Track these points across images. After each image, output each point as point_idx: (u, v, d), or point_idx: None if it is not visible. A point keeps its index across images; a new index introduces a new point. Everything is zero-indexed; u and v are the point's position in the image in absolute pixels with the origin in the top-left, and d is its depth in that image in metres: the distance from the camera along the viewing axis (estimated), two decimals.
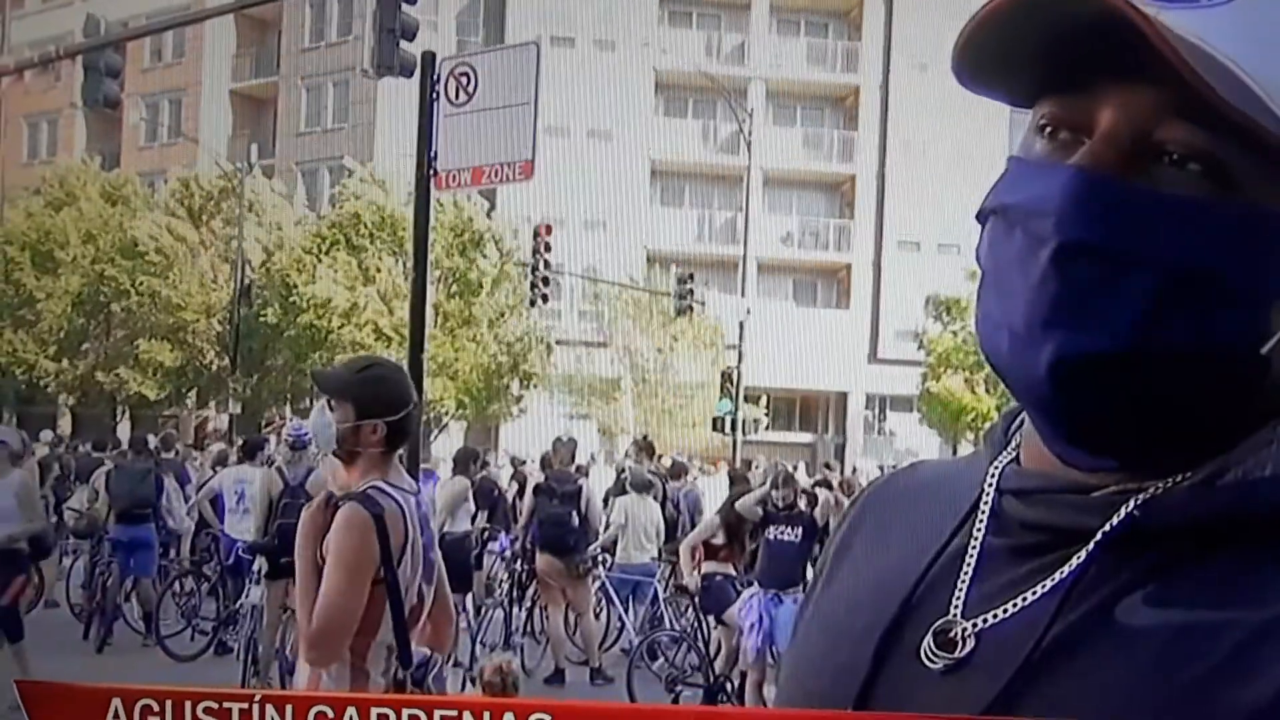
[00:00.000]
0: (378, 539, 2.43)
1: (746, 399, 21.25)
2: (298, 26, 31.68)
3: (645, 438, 12.03)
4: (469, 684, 3.72)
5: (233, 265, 23.48)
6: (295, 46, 31.84)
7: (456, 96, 8.26)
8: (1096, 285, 0.55)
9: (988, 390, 23.14)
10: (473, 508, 8.31)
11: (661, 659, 7.33)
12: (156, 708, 0.51)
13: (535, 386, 24.07)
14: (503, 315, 23.11)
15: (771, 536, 6.36)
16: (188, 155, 27.81)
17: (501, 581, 8.51)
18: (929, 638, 0.60)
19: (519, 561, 8.23)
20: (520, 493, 10.03)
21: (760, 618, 6.12)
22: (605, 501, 9.18)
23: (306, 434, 6.35)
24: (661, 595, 7.89)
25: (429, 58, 8.58)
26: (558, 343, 24.38)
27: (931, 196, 26.54)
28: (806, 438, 30.17)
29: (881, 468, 16.36)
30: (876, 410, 30.77)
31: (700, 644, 7.03)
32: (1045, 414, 0.59)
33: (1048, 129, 0.59)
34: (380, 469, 2.56)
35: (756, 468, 13.98)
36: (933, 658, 0.59)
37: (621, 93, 28.85)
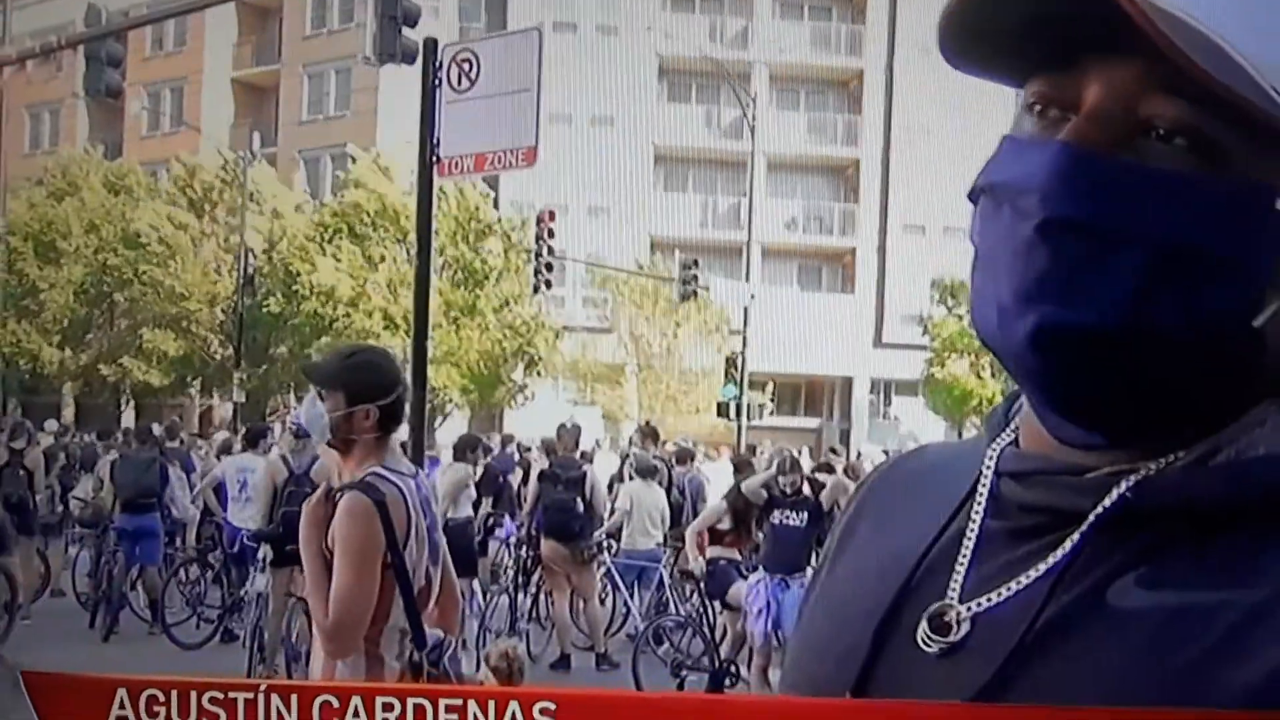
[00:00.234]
0: (382, 525, 2.44)
1: (751, 384, 21.26)
2: (299, 14, 31.58)
3: (648, 423, 12.05)
4: (482, 664, 3.73)
5: (235, 254, 23.49)
6: (296, 34, 31.75)
7: (459, 83, 8.23)
8: (1080, 260, 0.55)
9: (993, 375, 23.12)
10: (474, 494, 8.34)
11: (667, 644, 7.35)
12: (162, 698, 0.51)
13: (540, 374, 24.09)
14: (507, 303, 23.11)
15: (777, 521, 6.37)
16: (190, 144, 27.77)
17: (507, 568, 8.54)
18: (925, 621, 0.60)
19: (524, 548, 8.25)
20: (525, 479, 10.06)
21: (767, 603, 6.14)
22: (610, 487, 9.20)
23: None
24: (667, 581, 7.91)
25: (431, 44, 8.55)
26: (565, 328, 24.39)
27: (936, 180, 26.44)
28: (811, 423, 30.18)
29: (886, 452, 16.37)
30: (881, 395, 30.77)
31: (705, 629, 7.05)
32: (1033, 388, 0.59)
33: (1036, 107, 0.59)
34: (377, 455, 2.57)
35: (761, 453, 13.99)
36: (929, 642, 0.59)
37: (624, 78, 28.74)
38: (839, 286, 31.48)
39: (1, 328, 25.86)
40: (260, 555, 6.76)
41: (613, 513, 8.22)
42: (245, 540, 7.38)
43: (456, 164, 8.39)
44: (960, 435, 25.57)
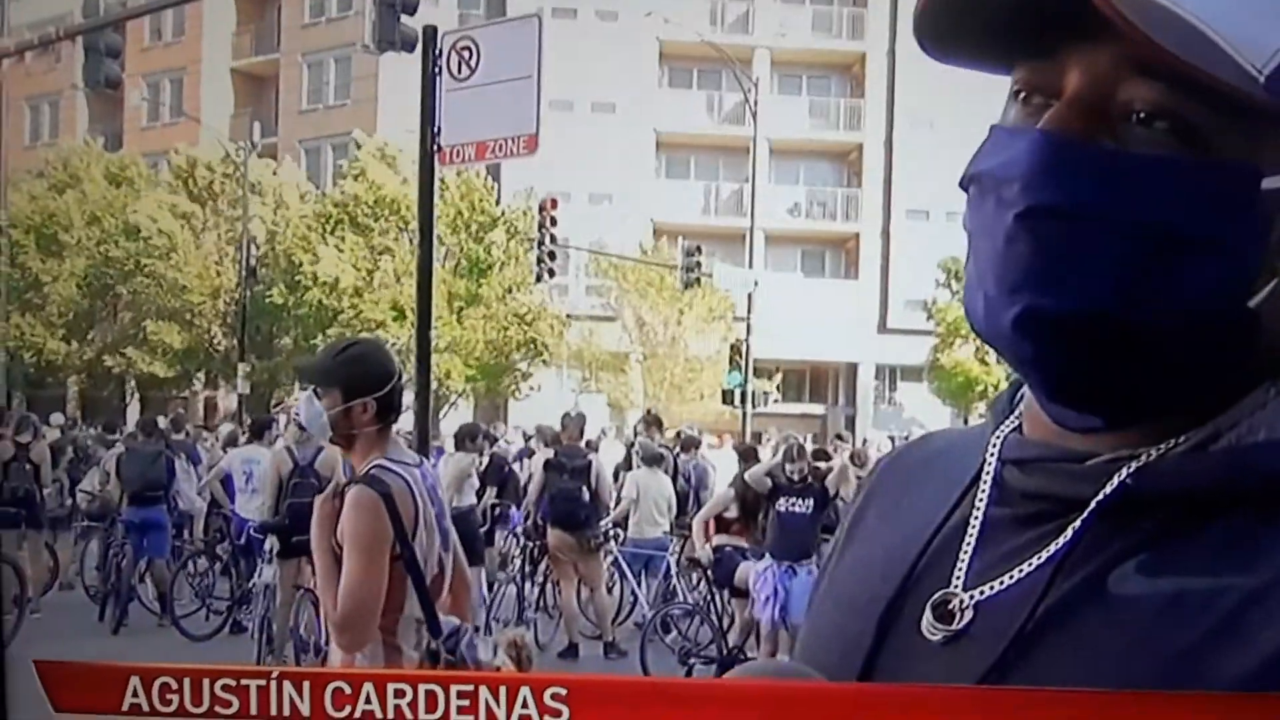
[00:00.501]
0: (389, 517, 2.45)
1: (756, 371, 21.25)
2: (297, 2, 31.48)
3: (650, 412, 12.06)
4: (500, 650, 3.76)
5: (237, 245, 23.49)
6: (295, 22, 31.65)
7: (459, 71, 8.21)
8: (1063, 247, 0.55)
9: (998, 360, 23.05)
10: (477, 482, 8.37)
11: (674, 632, 7.38)
12: (175, 686, 0.52)
13: (545, 362, 24.09)
14: (510, 290, 23.10)
15: (783, 509, 6.37)
16: (190, 135, 27.74)
17: (514, 557, 8.57)
18: (928, 609, 0.60)
19: (531, 537, 8.28)
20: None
21: (775, 590, 6.16)
22: (616, 476, 9.22)
23: None
24: (674, 569, 7.93)
25: (430, 32, 8.52)
26: (568, 316, 24.38)
27: (940, 163, 26.31)
28: (816, 409, 30.19)
29: (892, 439, 16.37)
30: (886, 381, 30.75)
31: (713, 617, 7.07)
32: (1025, 375, 0.60)
33: (1021, 94, 0.59)
34: (380, 447, 2.58)
35: (767, 440, 14.01)
36: (932, 629, 0.60)
37: (625, 64, 28.63)
38: (843, 272, 31.42)
39: (5, 321, 25.90)
40: (267, 547, 6.79)
41: (619, 501, 8.23)
42: (251, 532, 7.41)
43: (457, 152, 8.38)
44: (965, 421, 25.57)
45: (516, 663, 3.83)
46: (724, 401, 21.05)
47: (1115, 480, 0.57)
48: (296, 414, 7.39)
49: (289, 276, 23.18)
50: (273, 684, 0.51)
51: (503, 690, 0.50)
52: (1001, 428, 0.65)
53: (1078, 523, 0.57)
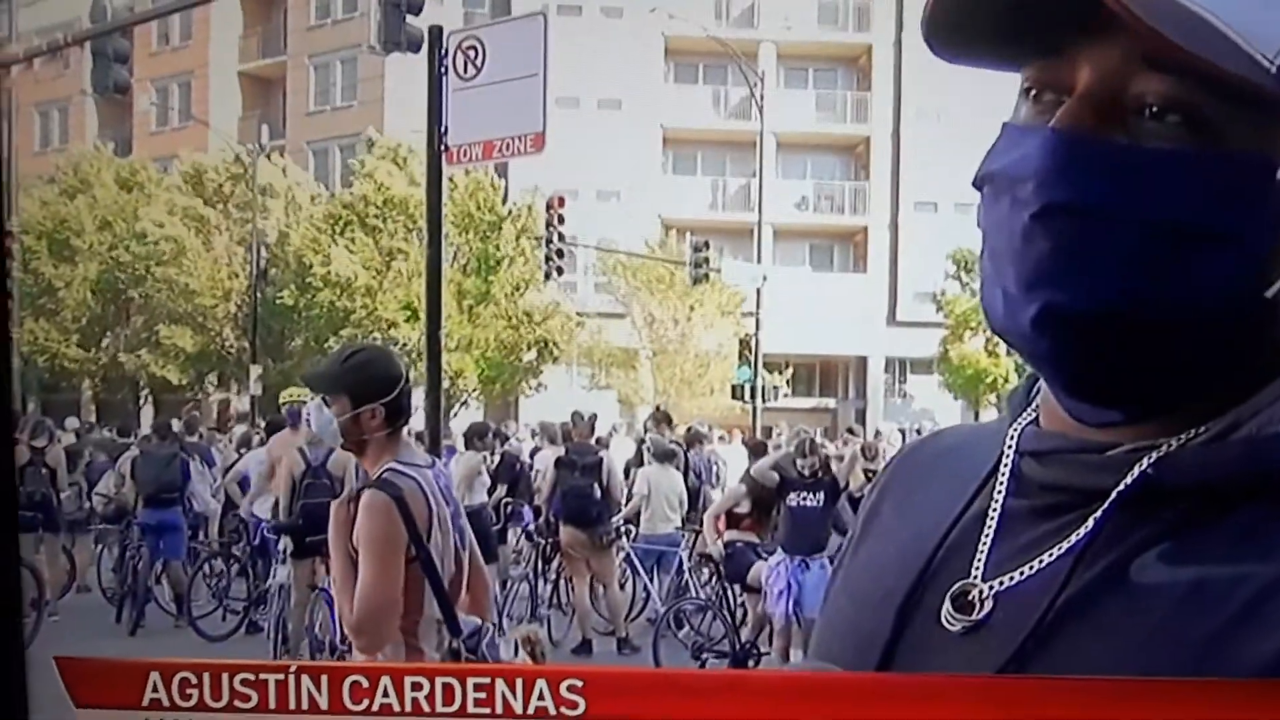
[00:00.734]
0: (402, 519, 2.46)
1: (766, 366, 21.22)
2: (303, 4, 31.55)
3: (660, 408, 12.07)
4: (519, 648, 3.77)
5: (248, 248, 23.58)
6: (301, 25, 31.73)
7: (465, 70, 8.22)
8: (1080, 245, 0.55)
9: (1007, 352, 23.01)
10: (488, 480, 8.39)
11: (687, 627, 7.39)
12: (194, 681, 0.52)
13: (555, 359, 24.12)
14: (518, 289, 23.13)
15: (794, 503, 6.36)
16: (199, 139, 27.86)
17: (526, 555, 8.59)
18: (948, 600, 0.61)
19: (543, 535, 8.30)
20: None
21: (788, 584, 6.15)
22: (627, 472, 9.23)
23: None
24: (686, 564, 7.93)
25: (436, 32, 8.53)
26: (579, 314, 24.41)
27: (948, 155, 26.25)
28: (827, 403, 30.14)
29: (903, 431, 16.33)
30: (896, 374, 30.67)
31: (725, 612, 7.08)
32: (1045, 372, 0.60)
33: (1032, 92, 0.60)
34: (391, 450, 2.59)
35: (778, 435, 13.99)
36: (952, 620, 0.60)
37: (630, 61, 28.60)
38: (851, 266, 31.34)
39: (19, 327, 26.06)
40: (280, 547, 6.82)
41: (630, 498, 8.24)
42: (265, 533, 7.45)
43: (465, 152, 8.39)
44: (976, 412, 25.51)
45: (531, 659, 3.85)
46: (734, 396, 21.03)
47: (1136, 471, 0.57)
48: (308, 414, 7.43)
49: (300, 278, 23.26)
50: (291, 678, 0.52)
51: (519, 683, 0.51)
52: (1018, 420, 0.65)
53: (1098, 513, 0.57)
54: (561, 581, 8.27)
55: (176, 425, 10.36)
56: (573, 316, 23.98)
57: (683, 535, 8.05)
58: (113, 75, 12.05)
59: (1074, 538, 0.58)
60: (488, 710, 0.50)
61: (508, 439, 11.12)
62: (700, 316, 24.25)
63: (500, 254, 22.90)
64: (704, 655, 6.99)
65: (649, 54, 29.29)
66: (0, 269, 0.65)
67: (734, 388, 20.89)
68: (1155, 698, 0.47)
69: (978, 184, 0.61)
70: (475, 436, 8.48)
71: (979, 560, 0.61)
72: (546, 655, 4.05)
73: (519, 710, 0.50)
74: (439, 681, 0.51)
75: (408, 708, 0.51)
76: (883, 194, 30.32)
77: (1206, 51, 0.51)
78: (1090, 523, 0.58)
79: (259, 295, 22.86)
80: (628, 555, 7.99)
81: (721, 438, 14.59)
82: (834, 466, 6.63)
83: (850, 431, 15.16)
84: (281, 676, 0.52)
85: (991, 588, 0.60)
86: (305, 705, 0.51)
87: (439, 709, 0.51)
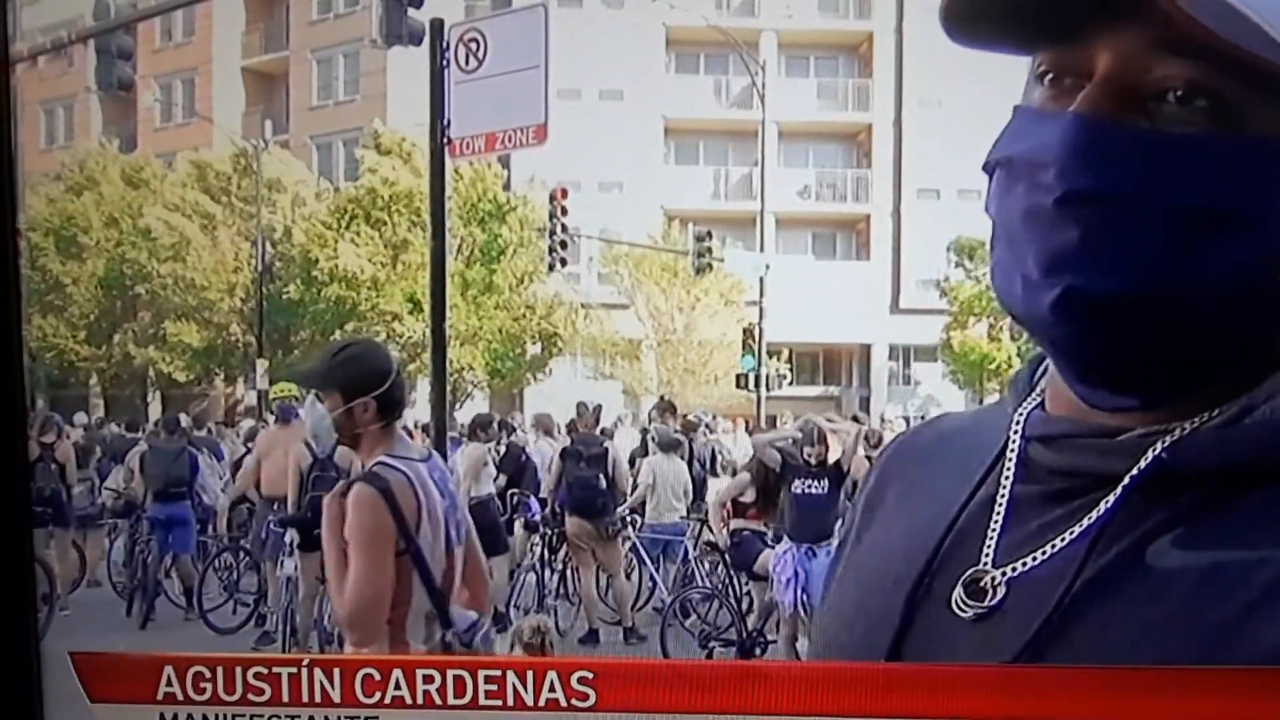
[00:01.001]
0: (390, 512, 2.46)
1: (770, 354, 21.20)
2: None
3: (665, 398, 12.06)
4: (514, 642, 3.78)
5: (253, 243, 23.60)
6: (303, 19, 31.66)
7: (466, 63, 8.20)
8: (1103, 230, 0.55)
9: (1011, 337, 22.96)
10: (494, 471, 8.40)
11: (694, 616, 7.40)
12: (207, 675, 0.53)
13: (561, 351, 24.14)
14: (521, 280, 23.12)
15: (799, 490, 6.36)
16: (203, 135, 27.84)
17: (533, 545, 8.62)
18: (960, 587, 0.60)
19: (549, 525, 8.31)
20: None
21: (795, 572, 6.15)
22: (631, 462, 9.23)
23: None
24: (691, 553, 7.95)
25: (437, 25, 8.51)
26: (583, 305, 24.41)
27: (950, 142, 26.13)
28: (831, 391, 30.10)
29: (907, 419, 16.32)
30: (900, 361, 30.61)
31: (732, 600, 7.09)
32: (1064, 357, 0.59)
33: (1048, 76, 0.59)
34: (384, 443, 2.59)
35: (782, 423, 13.96)
36: (964, 606, 0.60)
37: (632, 51, 28.49)
38: (854, 253, 31.25)
39: (27, 323, 26.07)
40: (288, 540, 6.84)
41: (635, 488, 8.25)
42: (272, 526, 7.47)
43: (467, 144, 8.38)
44: (981, 398, 25.45)
45: (540, 649, 3.86)
46: (738, 385, 21.02)
47: (1150, 455, 0.57)
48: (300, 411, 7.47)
49: (305, 272, 23.29)
50: (304, 671, 0.52)
51: (530, 675, 0.51)
52: (1023, 405, 0.65)
53: (1111, 498, 0.57)
54: (568, 572, 8.29)
55: (185, 420, 10.38)
56: (577, 308, 23.99)
57: (688, 524, 8.07)
58: (117, 72, 12.04)
59: (1086, 522, 0.58)
60: (499, 702, 0.51)
61: (514, 430, 11.12)
62: (704, 306, 24.23)
63: (504, 242, 22.89)
64: (711, 644, 7.01)
65: (650, 44, 29.17)
66: (10, 268, 0.66)
67: (738, 377, 20.88)
68: (1166, 684, 0.47)
69: (989, 169, 0.61)
70: (480, 428, 8.49)
71: (989, 546, 0.61)
72: (555, 645, 4.07)
73: (530, 702, 0.51)
74: (450, 674, 0.51)
75: (419, 700, 0.51)
76: (885, 182, 30.21)
77: (1234, 35, 0.51)
78: (1103, 507, 0.57)
79: (264, 290, 22.90)
80: (634, 545, 8.01)
81: (726, 428, 14.59)
82: (832, 443, 6.57)
83: (855, 419, 15.14)
84: (294, 670, 0.52)
85: (1005, 574, 0.59)
86: (318, 698, 0.52)
87: (450, 701, 0.51)
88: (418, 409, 13.73)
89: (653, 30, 28.91)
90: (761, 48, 28.02)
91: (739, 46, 22.55)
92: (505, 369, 23.55)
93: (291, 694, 0.52)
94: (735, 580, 7.12)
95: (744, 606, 7.02)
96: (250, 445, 10.01)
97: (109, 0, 12.49)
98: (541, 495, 8.79)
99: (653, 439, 8.77)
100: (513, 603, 7.54)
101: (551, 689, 0.51)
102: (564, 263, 18.14)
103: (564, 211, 17.10)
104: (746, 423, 15.88)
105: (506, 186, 23.43)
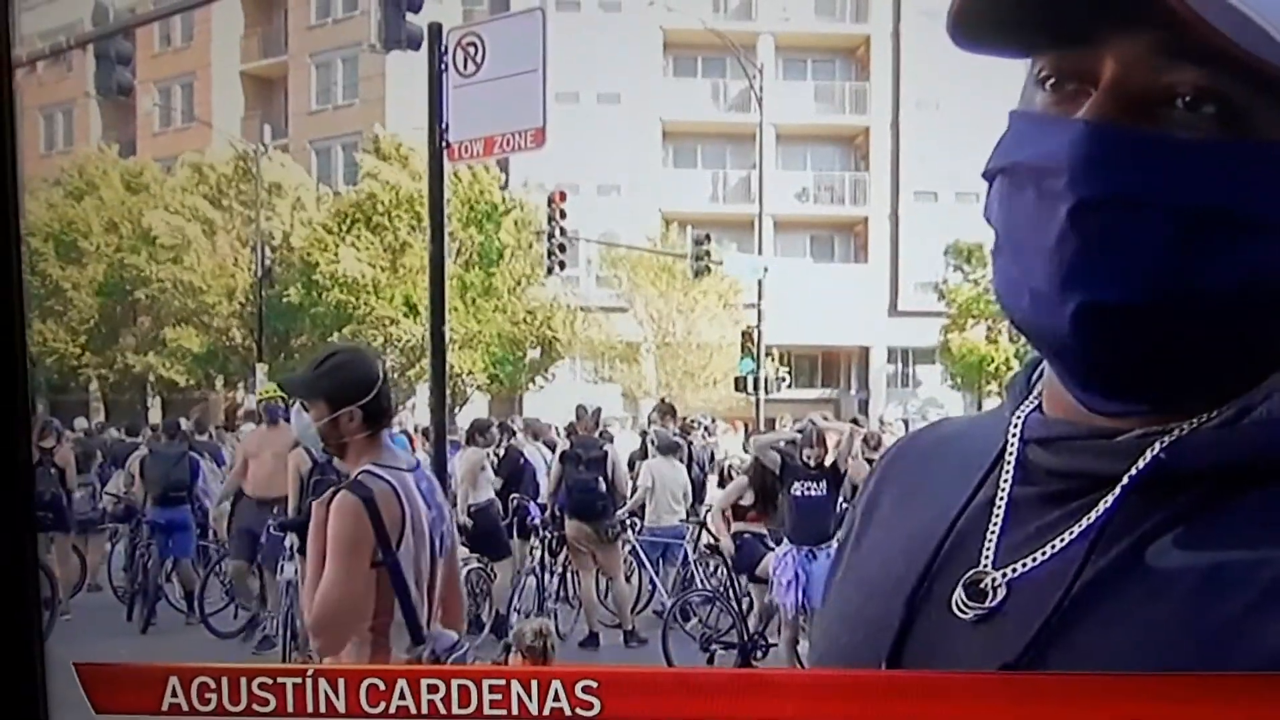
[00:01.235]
0: (371, 522, 2.43)
1: (768, 357, 21.21)
2: (303, 3, 31.50)
3: (664, 401, 12.06)
4: (517, 647, 3.76)
5: (252, 248, 23.61)
6: (301, 24, 31.69)
7: (465, 67, 8.21)
8: (1117, 239, 0.54)
9: (1010, 339, 22.98)
10: (492, 476, 8.39)
11: (694, 619, 7.40)
12: (212, 685, 0.53)
13: (559, 353, 24.15)
14: (519, 284, 23.13)
15: (798, 493, 6.36)
16: (202, 139, 27.85)
17: (532, 549, 8.61)
18: (960, 589, 0.60)
19: (548, 529, 8.31)
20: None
21: (795, 575, 6.15)
22: (631, 465, 9.23)
23: None
24: (691, 556, 7.95)
25: (436, 29, 8.52)
26: (581, 308, 24.42)
27: (947, 145, 26.16)
28: (830, 394, 30.11)
29: (906, 421, 16.32)
30: (899, 364, 30.63)
31: (732, 603, 7.08)
32: (1074, 368, 0.59)
33: (1050, 81, 0.58)
34: (370, 452, 2.56)
35: (781, 426, 13.96)
36: (964, 608, 0.60)
37: (629, 55, 28.52)
38: (852, 256, 31.27)
39: (28, 329, 26.08)
40: (287, 544, 6.84)
41: (635, 491, 8.25)
42: (271, 530, 7.47)
43: (466, 148, 8.39)
44: (979, 400, 25.47)
45: (543, 652, 3.85)
46: (737, 388, 21.02)
47: (1148, 455, 0.57)
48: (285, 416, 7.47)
49: (305, 277, 23.30)
50: (309, 681, 0.52)
51: (534, 684, 0.51)
52: (1020, 408, 0.65)
53: (1110, 499, 0.57)
54: (568, 575, 8.28)
55: (185, 424, 10.38)
56: (576, 311, 24.00)
57: (687, 527, 8.07)
58: (116, 77, 12.05)
59: (1085, 523, 0.58)
60: (504, 712, 0.51)
61: (513, 434, 11.11)
62: (703, 309, 24.25)
63: (502, 245, 22.90)
64: (712, 646, 7.00)
65: (647, 48, 29.20)
66: (13, 272, 0.66)
67: (737, 379, 20.89)
68: (1168, 691, 0.47)
69: (989, 175, 0.60)
70: (478, 432, 8.47)
71: (988, 548, 0.61)
72: (556, 648, 4.07)
73: (534, 712, 0.51)
74: (455, 684, 0.51)
75: (424, 710, 0.51)
76: (883, 184, 30.24)
77: (1243, 40, 0.51)
78: (1102, 508, 0.57)
79: (264, 294, 22.91)
80: (633, 548, 8.00)
81: (726, 431, 14.59)
82: (829, 442, 6.56)
83: (854, 422, 15.16)
84: (299, 680, 0.52)
85: (1005, 575, 0.59)
86: (323, 708, 0.52)
87: (455, 711, 0.51)
88: (417, 413, 13.72)
89: (650, 34, 28.95)
90: (759, 51, 28.06)
91: (736, 50, 22.58)
92: (505, 373, 23.55)
93: (296, 704, 0.52)
94: (735, 583, 7.12)
95: (744, 609, 7.01)
96: None
97: (108, 5, 12.50)
98: (540, 499, 8.79)
99: (652, 442, 8.77)
100: (513, 606, 7.53)
101: (556, 698, 0.51)
102: (562, 266, 18.15)
103: (562, 215, 17.12)
104: (746, 426, 15.89)
105: (504, 187, 23.45)
